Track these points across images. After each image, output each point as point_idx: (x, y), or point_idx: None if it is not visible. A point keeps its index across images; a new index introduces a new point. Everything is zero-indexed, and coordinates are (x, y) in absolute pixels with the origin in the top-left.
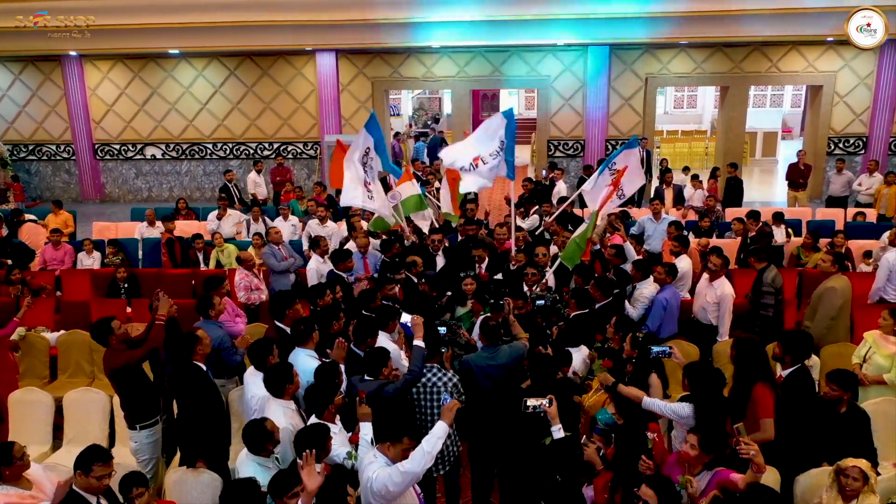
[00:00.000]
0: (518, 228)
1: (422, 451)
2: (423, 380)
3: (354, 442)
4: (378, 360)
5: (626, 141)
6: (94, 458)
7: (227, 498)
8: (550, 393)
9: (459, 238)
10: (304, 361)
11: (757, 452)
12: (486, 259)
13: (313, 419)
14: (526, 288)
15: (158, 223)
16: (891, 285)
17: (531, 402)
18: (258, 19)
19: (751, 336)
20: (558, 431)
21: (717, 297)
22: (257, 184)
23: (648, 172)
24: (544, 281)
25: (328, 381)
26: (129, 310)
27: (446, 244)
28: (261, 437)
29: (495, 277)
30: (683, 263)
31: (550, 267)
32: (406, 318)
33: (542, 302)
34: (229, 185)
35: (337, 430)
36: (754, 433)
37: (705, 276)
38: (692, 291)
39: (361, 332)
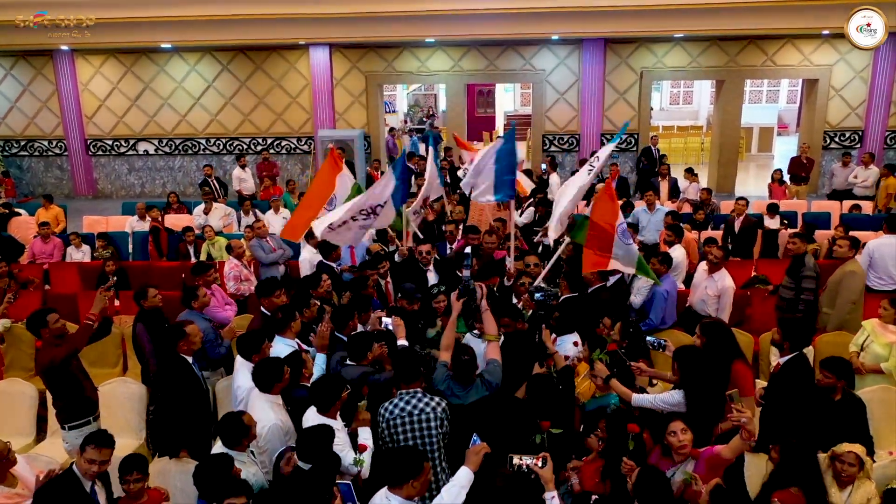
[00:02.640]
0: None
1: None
2: (409, 407)
3: (363, 449)
4: (362, 345)
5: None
6: (91, 440)
7: (199, 474)
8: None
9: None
10: (282, 351)
11: (749, 420)
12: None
13: (312, 411)
14: (517, 301)
15: (149, 216)
16: (873, 272)
17: (518, 459)
18: (251, 13)
19: (716, 319)
20: (552, 500)
21: (718, 289)
22: (242, 179)
23: (654, 168)
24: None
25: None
26: (117, 303)
27: (436, 256)
28: (237, 430)
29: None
30: (677, 253)
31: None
32: (387, 320)
33: (539, 295)
34: (209, 180)
35: (339, 427)
36: None
37: (704, 267)
38: (686, 282)
39: (341, 318)
